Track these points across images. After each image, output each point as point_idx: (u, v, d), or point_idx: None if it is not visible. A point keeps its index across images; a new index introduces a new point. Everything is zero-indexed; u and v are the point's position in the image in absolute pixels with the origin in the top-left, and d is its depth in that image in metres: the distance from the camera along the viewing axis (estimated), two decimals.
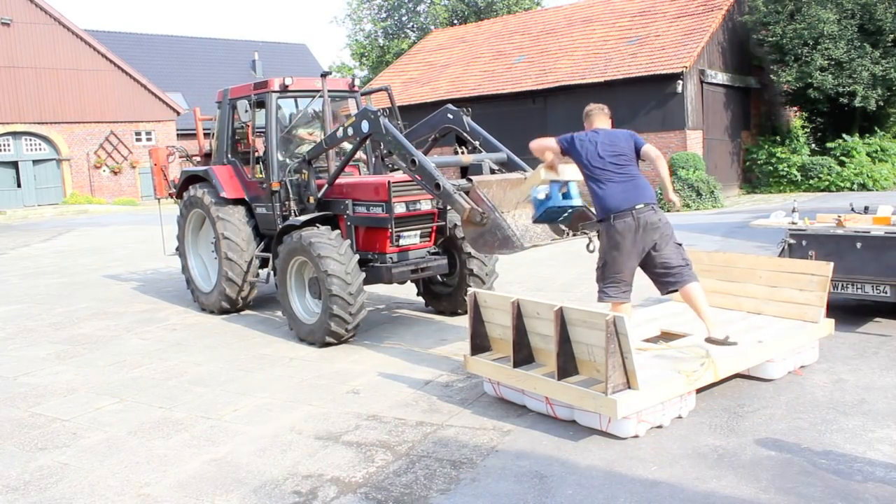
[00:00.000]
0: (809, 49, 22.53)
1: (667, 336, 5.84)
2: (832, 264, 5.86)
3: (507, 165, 7.06)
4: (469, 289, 5.75)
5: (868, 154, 23.67)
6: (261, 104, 8.19)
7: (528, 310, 5.05)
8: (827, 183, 23.03)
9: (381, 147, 7.71)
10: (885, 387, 5.33)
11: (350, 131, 7.02)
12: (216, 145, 9.08)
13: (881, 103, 23.44)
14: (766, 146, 24.84)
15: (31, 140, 32.45)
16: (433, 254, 7.77)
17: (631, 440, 4.58)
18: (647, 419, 4.65)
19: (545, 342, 4.97)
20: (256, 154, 8.42)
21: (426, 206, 7.41)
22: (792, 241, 7.19)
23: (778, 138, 25.38)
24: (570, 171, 5.49)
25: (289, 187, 7.81)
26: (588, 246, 5.88)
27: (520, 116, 24.60)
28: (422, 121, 7.96)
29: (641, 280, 5.64)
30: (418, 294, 8.55)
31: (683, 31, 23.20)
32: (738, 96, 24.87)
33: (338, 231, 7.18)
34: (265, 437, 4.92)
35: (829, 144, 24.27)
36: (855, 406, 4.99)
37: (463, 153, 7.26)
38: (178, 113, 35.93)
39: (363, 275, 6.99)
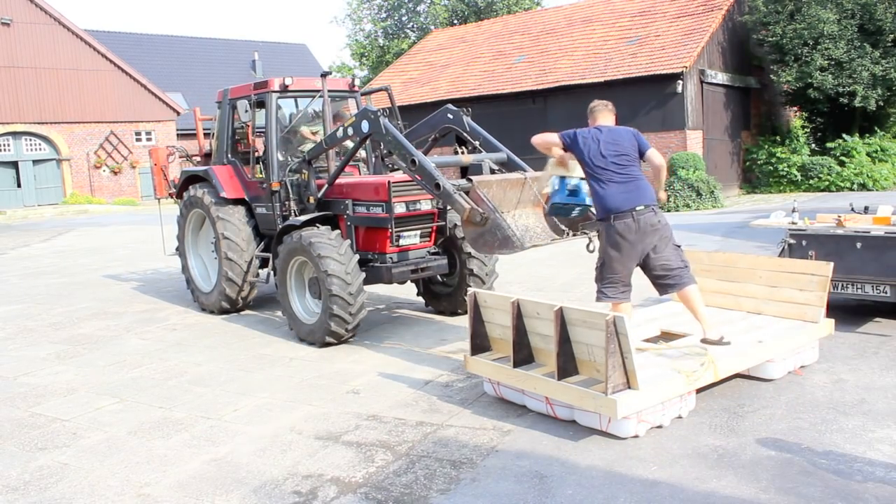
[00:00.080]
0: (809, 49, 22.52)
1: (667, 336, 5.84)
2: (832, 264, 5.86)
3: (507, 165, 7.06)
4: (469, 289, 5.75)
5: (868, 154, 23.67)
6: (261, 104, 8.19)
7: (528, 310, 5.04)
8: (827, 183, 23.03)
9: (381, 147, 7.71)
10: (885, 387, 5.33)
11: (350, 131, 7.03)
12: (216, 145, 9.08)
13: (881, 103, 23.44)
14: (766, 146, 24.84)
15: (31, 140, 32.46)
16: (433, 254, 7.77)
17: (631, 440, 4.58)
18: (647, 419, 4.65)
19: (545, 342, 4.97)
20: (256, 154, 8.42)
21: (426, 206, 7.41)
22: (792, 241, 7.19)
23: (778, 138, 25.38)
24: (580, 168, 5.51)
25: (289, 187, 7.82)
26: (588, 246, 5.89)
27: (520, 116, 24.59)
28: (422, 121, 7.96)
29: (641, 280, 5.64)
30: (418, 294, 8.55)
31: (683, 31, 23.20)
32: (738, 96, 24.86)
33: (338, 231, 7.18)
34: (265, 437, 4.92)
35: (829, 144, 24.27)
36: (855, 406, 4.99)
37: (463, 153, 7.26)
38: (178, 113, 35.93)
39: (363, 275, 6.99)
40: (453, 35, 33.25)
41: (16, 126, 31.62)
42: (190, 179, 9.16)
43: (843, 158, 23.47)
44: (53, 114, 32.39)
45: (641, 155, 5.37)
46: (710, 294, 6.36)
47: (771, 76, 23.90)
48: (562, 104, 23.83)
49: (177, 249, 9.58)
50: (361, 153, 8.59)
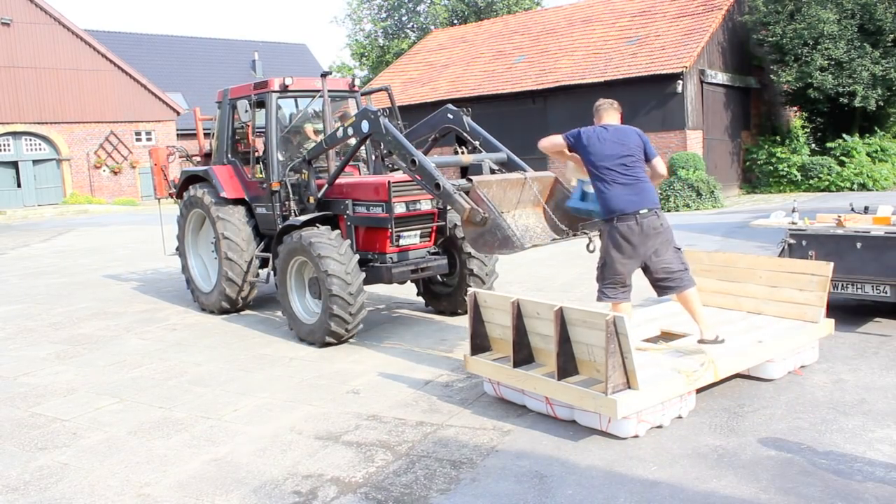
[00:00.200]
0: (809, 49, 22.52)
1: (667, 336, 5.84)
2: (832, 264, 5.86)
3: (507, 165, 7.05)
4: (469, 289, 5.75)
5: (868, 154, 23.68)
6: (261, 104, 8.19)
7: (528, 310, 5.04)
8: (827, 183, 23.03)
9: (381, 147, 7.71)
10: (885, 387, 5.33)
11: (350, 131, 7.03)
12: (216, 145, 9.08)
13: (881, 103, 23.44)
14: (766, 146, 24.84)
15: (31, 140, 32.46)
16: (433, 254, 7.77)
17: (631, 440, 4.58)
18: (647, 419, 4.65)
19: (545, 342, 4.97)
20: (256, 154, 8.42)
21: (426, 206, 7.41)
22: (792, 241, 7.19)
23: (778, 138, 25.39)
24: None
25: (289, 187, 7.82)
26: (588, 246, 5.88)
27: (520, 116, 24.59)
28: (422, 121, 7.95)
29: (641, 280, 5.64)
30: (418, 294, 8.55)
31: (683, 31, 23.20)
32: (738, 96, 24.87)
33: (338, 231, 7.18)
34: (265, 437, 4.92)
35: (829, 144, 24.27)
36: (855, 406, 4.99)
37: (463, 153, 7.25)
38: (178, 113, 35.94)
39: (363, 275, 6.99)
40: (453, 35, 33.25)
41: (16, 126, 31.63)
42: (190, 179, 9.16)
43: (843, 158, 23.47)
44: (53, 114, 32.40)
45: (647, 159, 5.37)
46: (710, 294, 6.37)
47: (771, 76, 23.91)
48: (562, 104, 23.84)
49: (177, 249, 9.58)
50: (362, 153, 8.59)
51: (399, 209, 7.15)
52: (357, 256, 7.07)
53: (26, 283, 12.13)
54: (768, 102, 26.28)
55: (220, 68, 43.40)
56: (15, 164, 32.18)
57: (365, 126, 6.82)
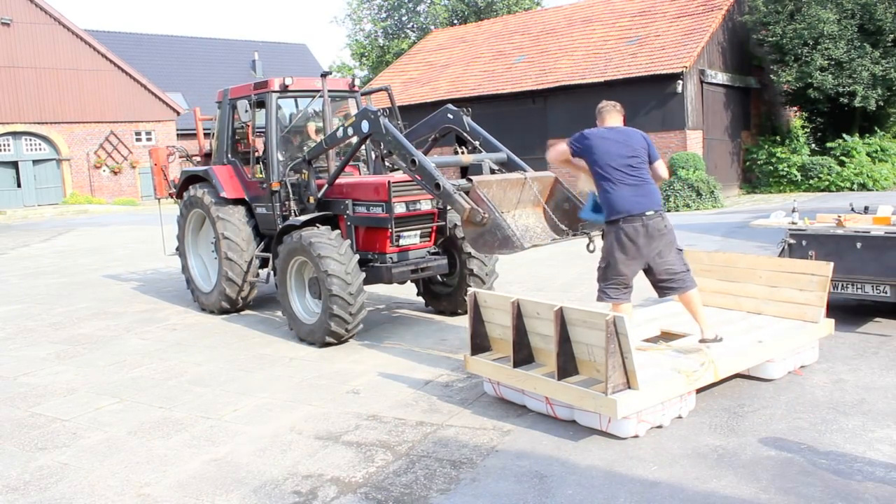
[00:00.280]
0: (809, 49, 22.53)
1: (667, 336, 5.84)
2: (832, 264, 5.86)
3: (507, 165, 7.05)
4: (469, 289, 5.75)
5: (868, 154, 23.68)
6: (261, 104, 8.19)
7: (528, 310, 5.04)
8: (827, 183, 23.04)
9: (381, 147, 7.71)
10: (885, 387, 5.33)
11: (350, 131, 7.03)
12: (216, 145, 9.08)
13: (881, 103, 23.44)
14: (766, 146, 24.84)
15: (31, 140, 32.47)
16: (433, 254, 7.78)
17: (631, 440, 4.58)
18: (647, 419, 4.65)
19: (545, 342, 4.97)
20: (256, 154, 8.42)
21: (426, 206, 7.41)
22: (792, 241, 7.19)
23: (778, 138, 25.39)
24: None
25: (289, 187, 7.82)
26: (588, 246, 5.87)
27: (520, 116, 24.60)
28: (422, 121, 7.96)
29: (642, 281, 5.64)
30: (418, 294, 8.55)
31: (683, 31, 23.20)
32: (738, 96, 24.87)
33: (338, 231, 7.18)
34: (265, 437, 4.92)
35: (829, 144, 24.27)
36: (855, 406, 4.99)
37: (463, 153, 7.26)
38: (178, 113, 35.94)
39: (363, 275, 6.99)
40: (453, 35, 33.25)
41: (16, 126, 31.63)
42: (190, 179, 9.16)
43: (843, 158, 23.47)
44: (53, 114, 32.40)
45: (650, 161, 5.37)
46: (710, 294, 6.37)
47: (771, 76, 23.91)
48: (562, 104, 23.85)
49: (177, 249, 9.58)
50: (362, 153, 8.59)
51: (399, 209, 7.15)
52: (357, 256, 7.07)
53: (26, 283, 12.13)
54: (768, 102, 26.28)
55: (220, 68, 43.41)
56: (15, 164, 32.18)
57: (365, 126, 6.83)
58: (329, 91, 7.92)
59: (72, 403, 5.83)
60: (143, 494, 4.18)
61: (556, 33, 27.53)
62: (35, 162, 32.59)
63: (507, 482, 4.11)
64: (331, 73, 8.85)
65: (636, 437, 4.60)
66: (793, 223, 7.48)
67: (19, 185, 32.35)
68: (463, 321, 7.01)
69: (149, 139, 35.11)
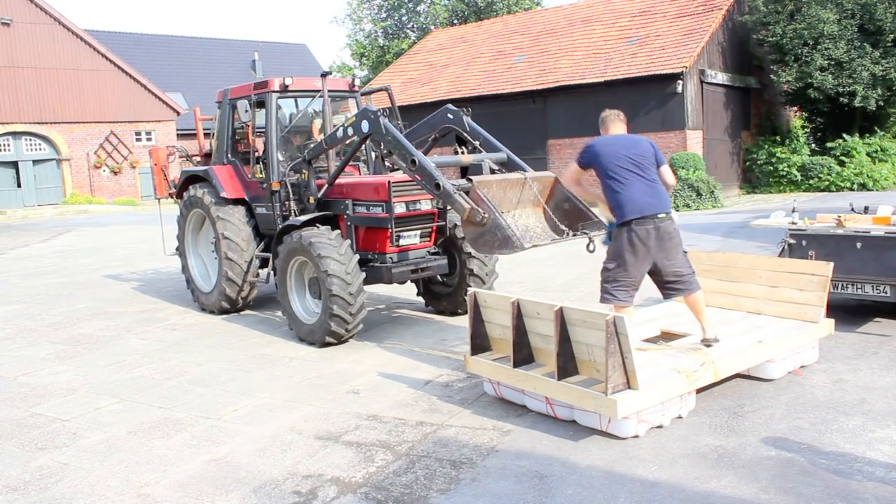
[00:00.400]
0: (809, 49, 22.52)
1: (667, 336, 5.84)
2: (832, 264, 5.86)
3: (507, 165, 7.06)
4: (469, 289, 5.75)
5: (868, 154, 23.67)
6: (261, 104, 8.19)
7: (528, 310, 5.04)
8: (827, 183, 23.03)
9: (381, 147, 7.72)
10: (885, 387, 5.33)
11: (350, 131, 7.03)
12: (216, 145, 9.08)
13: (881, 103, 23.44)
14: (766, 146, 24.84)
15: (31, 140, 32.47)
16: (433, 254, 7.78)
17: (631, 440, 4.58)
18: (647, 419, 4.65)
19: (545, 342, 4.97)
20: (256, 154, 8.42)
21: (426, 206, 7.41)
22: (792, 241, 7.19)
23: (778, 138, 25.38)
24: None
25: (289, 187, 7.81)
26: (588, 246, 5.86)
27: (520, 116, 24.60)
28: (422, 121, 7.96)
29: (643, 282, 5.63)
30: (418, 294, 8.55)
31: (683, 31, 23.20)
32: (738, 96, 24.86)
33: (338, 231, 7.18)
34: (265, 437, 4.92)
35: (829, 144, 24.27)
36: (855, 406, 4.99)
37: (463, 153, 7.26)
38: (178, 113, 35.94)
39: (363, 275, 6.99)
40: (453, 35, 33.25)
41: (16, 126, 31.62)
42: (190, 179, 9.16)
43: (843, 158, 23.47)
44: (53, 114, 32.40)
45: (657, 165, 5.38)
46: (710, 294, 6.36)
47: (771, 76, 23.90)
48: (562, 104, 23.85)
49: (177, 249, 9.58)
50: (362, 153, 8.59)
51: (399, 209, 7.15)
52: (357, 256, 7.07)
53: (26, 283, 12.13)
54: (768, 102, 26.28)
55: (220, 68, 43.41)
56: (15, 164, 32.18)
57: (365, 126, 6.83)
58: (329, 91, 7.92)
59: (72, 403, 5.83)
60: (143, 494, 4.18)
61: (556, 33, 27.53)
62: (35, 162, 32.59)
63: (507, 482, 4.11)
64: (331, 73, 8.85)
65: (636, 437, 4.60)
66: (793, 223, 7.48)
67: (19, 185, 32.35)
68: (463, 321, 7.01)
69: (149, 139, 35.11)
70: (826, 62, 22.29)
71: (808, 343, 5.78)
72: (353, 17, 46.81)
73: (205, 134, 10.31)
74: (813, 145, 25.60)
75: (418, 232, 7.51)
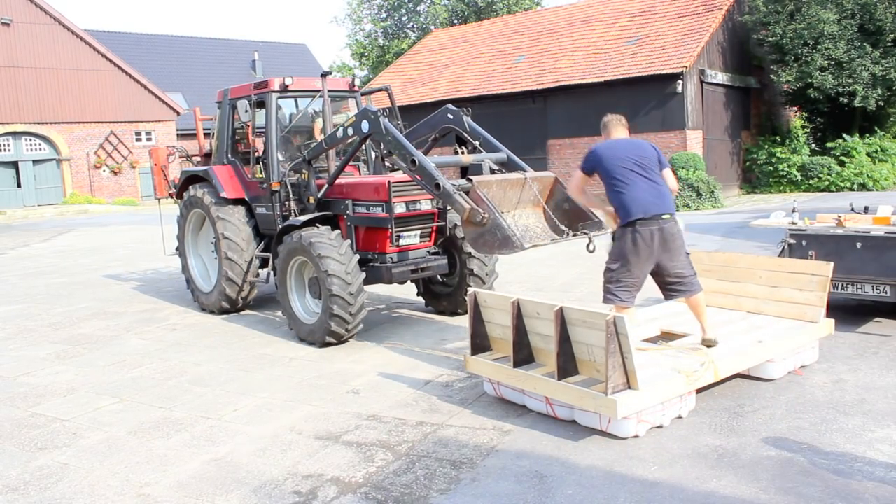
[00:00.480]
0: (809, 49, 22.52)
1: (667, 336, 5.84)
2: (832, 264, 5.86)
3: (507, 165, 7.06)
4: (469, 289, 5.75)
5: (868, 154, 23.67)
6: (261, 104, 8.19)
7: (528, 310, 5.04)
8: (827, 183, 23.03)
9: (381, 147, 7.72)
10: (885, 387, 5.33)
11: (350, 131, 7.03)
12: (216, 145, 9.08)
13: (881, 103, 23.44)
14: (766, 146, 24.84)
15: (31, 140, 32.47)
16: (433, 254, 7.78)
17: (631, 440, 4.58)
18: (647, 419, 4.65)
19: (545, 342, 4.97)
20: (256, 154, 8.42)
21: (426, 206, 7.41)
22: (792, 241, 7.19)
23: (778, 138, 25.38)
24: None
25: (289, 187, 7.82)
26: (588, 246, 5.86)
27: (520, 116, 24.60)
28: (422, 121, 7.96)
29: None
30: (418, 294, 8.55)
31: (683, 31, 23.20)
32: (738, 96, 24.86)
33: (338, 231, 7.18)
34: (265, 437, 4.92)
35: (829, 144, 24.27)
36: (855, 406, 4.99)
37: (463, 153, 7.26)
38: (178, 113, 35.94)
39: (363, 275, 6.99)
40: (453, 35, 33.25)
41: (16, 126, 31.63)
42: (190, 179, 9.16)
43: (843, 158, 23.47)
44: (53, 114, 32.40)
45: (660, 166, 5.38)
46: (710, 294, 6.35)
47: (771, 76, 23.90)
48: (562, 104, 23.85)
49: (177, 249, 9.58)
50: (362, 153, 8.58)
51: (399, 209, 7.15)
52: (357, 256, 7.07)
53: (26, 283, 12.13)
54: (768, 102, 26.28)
55: (220, 68, 43.41)
56: (15, 164, 32.18)
57: (365, 126, 6.83)
58: (329, 91, 7.92)
59: (72, 403, 5.83)
60: (143, 494, 4.18)
61: (556, 33, 27.53)
62: (35, 162, 32.60)
63: (507, 482, 4.11)
64: (331, 73, 8.85)
65: (636, 437, 4.60)
66: (793, 223, 7.48)
67: (19, 185, 32.35)
68: (463, 321, 7.01)
69: (149, 139, 35.12)
70: (826, 62, 22.29)
71: (808, 343, 5.78)
72: (353, 17, 46.85)
73: (205, 134, 10.31)
74: (813, 145, 25.60)
75: (418, 232, 7.51)
